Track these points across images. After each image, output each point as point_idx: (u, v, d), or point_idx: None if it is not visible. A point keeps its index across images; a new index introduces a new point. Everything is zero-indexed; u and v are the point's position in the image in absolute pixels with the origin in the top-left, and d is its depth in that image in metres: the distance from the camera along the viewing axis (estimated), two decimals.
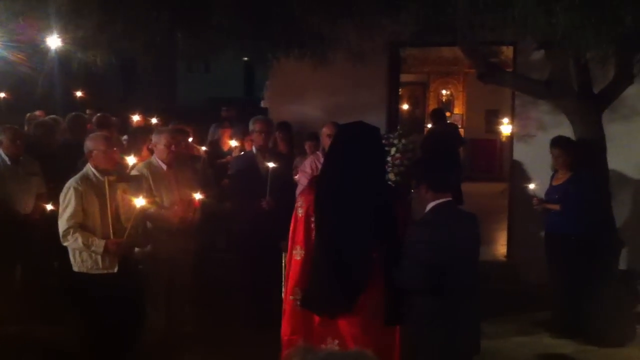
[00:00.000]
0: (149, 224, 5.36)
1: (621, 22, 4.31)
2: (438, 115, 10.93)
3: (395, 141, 6.46)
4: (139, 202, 4.86)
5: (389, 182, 6.16)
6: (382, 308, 3.70)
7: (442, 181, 3.75)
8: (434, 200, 3.71)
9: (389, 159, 6.34)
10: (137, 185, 5.20)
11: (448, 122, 11.65)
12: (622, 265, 6.48)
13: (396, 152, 6.39)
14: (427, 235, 3.62)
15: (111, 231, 4.81)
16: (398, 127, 7.55)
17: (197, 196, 5.59)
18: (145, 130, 7.82)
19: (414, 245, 3.62)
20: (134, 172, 5.53)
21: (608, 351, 5.70)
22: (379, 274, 3.68)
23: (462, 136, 11.97)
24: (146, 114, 9.20)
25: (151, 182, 5.45)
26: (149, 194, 5.30)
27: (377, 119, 7.64)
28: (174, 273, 5.61)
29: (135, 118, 8.97)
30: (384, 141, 6.46)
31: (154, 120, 8.63)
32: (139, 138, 7.20)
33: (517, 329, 6.15)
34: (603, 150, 6.11)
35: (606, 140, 6.15)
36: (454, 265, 3.60)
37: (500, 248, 8.28)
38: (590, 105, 6.08)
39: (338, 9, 5.35)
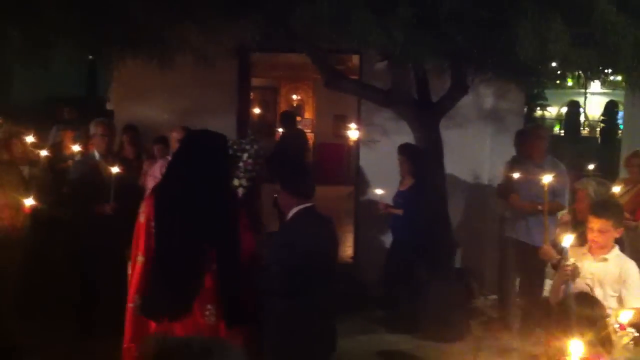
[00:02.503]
0: None
1: (453, 40, 4.62)
2: (288, 119, 10.69)
3: (247, 146, 6.49)
4: None
5: (242, 187, 6.18)
6: (222, 312, 3.73)
7: (302, 187, 3.85)
8: (297, 205, 3.80)
9: (241, 164, 6.35)
10: None
11: (298, 127, 11.68)
12: (457, 264, 6.92)
13: (248, 157, 6.42)
14: (289, 239, 3.75)
15: None
16: (249, 133, 7.57)
17: (28, 202, 5.28)
18: None
19: (277, 249, 3.73)
20: None
21: (444, 346, 6.04)
22: (216, 278, 3.71)
23: (309, 142, 12.06)
24: None
25: None
26: None
27: (228, 123, 7.62)
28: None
29: None
30: (235, 147, 6.47)
31: None
32: None
33: (360, 327, 6.37)
34: (440, 156, 6.48)
35: (443, 146, 6.53)
36: (314, 267, 3.70)
37: (347, 249, 8.54)
38: (428, 114, 6.42)
39: (179, 12, 5.24)
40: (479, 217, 7.70)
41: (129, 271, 3.98)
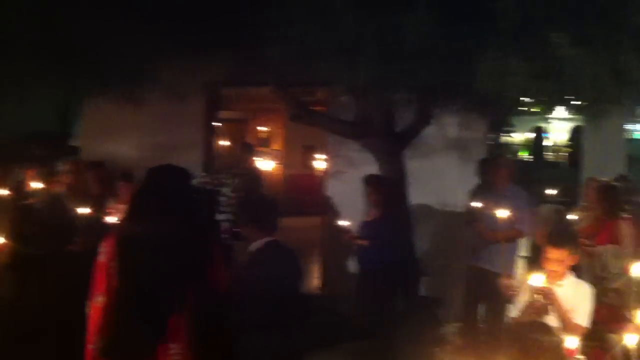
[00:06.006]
0: None
1: (417, 75, 4.77)
2: (249, 150, 9.49)
3: (229, 181, 6.52)
4: None
5: (228, 222, 6.17)
6: (190, 352, 3.67)
7: (268, 221, 3.89)
8: (261, 238, 3.85)
9: (224, 198, 6.38)
10: None
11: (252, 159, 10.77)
12: (424, 292, 6.99)
13: (231, 191, 6.44)
14: (258, 272, 3.77)
15: None
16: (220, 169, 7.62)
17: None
18: None
19: (247, 283, 3.74)
20: None
21: None
22: (184, 317, 3.66)
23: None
24: None
25: None
26: None
27: (195, 157, 7.67)
28: None
29: None
30: (215, 182, 6.52)
31: None
32: None
33: (333, 359, 6.39)
34: (405, 186, 6.58)
35: (408, 176, 6.63)
36: (283, 300, 3.73)
37: (315, 281, 8.56)
38: (392, 144, 6.53)
39: (150, 50, 5.32)
40: (446, 245, 7.78)
41: (87, 311, 3.93)
